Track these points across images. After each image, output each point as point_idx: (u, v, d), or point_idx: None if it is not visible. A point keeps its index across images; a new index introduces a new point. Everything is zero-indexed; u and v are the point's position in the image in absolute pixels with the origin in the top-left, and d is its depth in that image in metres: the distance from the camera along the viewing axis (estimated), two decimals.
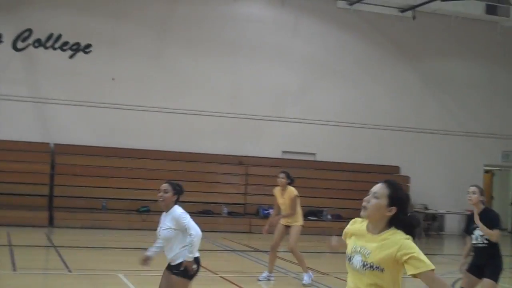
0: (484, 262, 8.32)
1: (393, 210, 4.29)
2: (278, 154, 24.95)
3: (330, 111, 25.38)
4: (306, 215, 23.60)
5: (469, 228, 8.52)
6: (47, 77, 22.43)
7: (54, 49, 22.43)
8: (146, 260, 7.61)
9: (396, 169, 25.53)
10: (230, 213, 23.09)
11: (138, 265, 13.32)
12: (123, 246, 17.31)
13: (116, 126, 22.90)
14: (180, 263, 7.13)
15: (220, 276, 12.66)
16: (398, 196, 4.32)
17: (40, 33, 22.32)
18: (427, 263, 4.13)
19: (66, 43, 22.55)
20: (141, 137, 23.11)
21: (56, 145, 22.27)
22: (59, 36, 22.51)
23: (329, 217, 23.92)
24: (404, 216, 4.31)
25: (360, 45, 26.09)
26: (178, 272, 7.14)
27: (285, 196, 12.30)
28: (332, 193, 24.58)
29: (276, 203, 12.66)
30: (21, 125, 21.88)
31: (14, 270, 12.14)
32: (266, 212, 23.06)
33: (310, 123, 25.14)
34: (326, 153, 25.39)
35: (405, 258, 4.13)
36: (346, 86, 25.77)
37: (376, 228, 4.35)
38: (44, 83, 22.40)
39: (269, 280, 12.29)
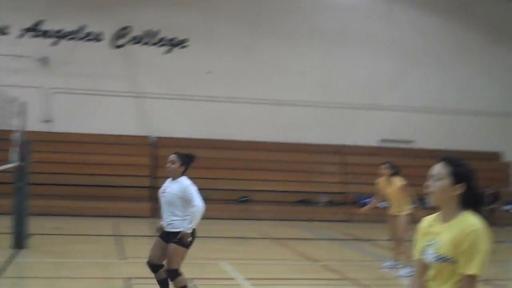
0: None
1: (460, 188, 3.74)
2: (376, 143, 24.70)
3: (428, 98, 24.94)
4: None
5: None
6: (145, 72, 23.03)
7: (152, 44, 23.02)
8: (160, 230, 7.82)
9: (497, 155, 24.77)
10: (329, 202, 23.04)
11: (240, 254, 13.65)
12: (224, 235, 17.57)
13: (213, 118, 23.27)
14: (179, 232, 7.38)
15: (323, 265, 12.65)
16: (462, 171, 3.78)
17: (138, 30, 22.94)
18: (479, 266, 3.64)
19: (162, 38, 23.08)
20: (238, 129, 23.39)
21: (159, 138, 22.85)
22: (157, 32, 23.05)
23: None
24: (472, 192, 3.78)
25: (455, 29, 25.47)
26: (177, 240, 7.40)
27: (392, 186, 12.02)
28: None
29: (378, 193, 12.43)
30: (121, 120, 22.58)
31: (125, 259, 12.53)
32: (366, 201, 22.90)
33: (407, 111, 24.79)
34: (425, 140, 24.96)
35: (464, 247, 3.63)
36: (442, 72, 25.26)
37: (446, 214, 3.79)
38: (142, 78, 23.02)
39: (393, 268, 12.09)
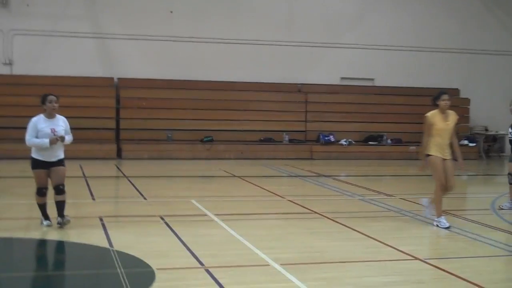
0: None
1: None
2: (336, 81, 25.04)
3: (387, 35, 25.21)
4: (366, 140, 23.99)
5: None
6: (107, 12, 22.81)
7: None
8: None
9: (456, 91, 25.31)
10: (291, 141, 23.44)
11: (209, 192, 13.98)
12: (190, 175, 17.90)
13: (175, 58, 23.24)
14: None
15: (289, 200, 13.06)
16: None
17: None
18: None
19: None
20: (200, 68, 23.44)
21: (120, 79, 22.82)
22: None
23: (389, 141, 24.06)
24: None
25: None
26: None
27: (449, 120, 10.53)
28: (391, 117, 24.67)
29: (429, 131, 10.43)
30: (84, 61, 22.45)
31: (93, 199, 12.79)
32: (327, 138, 23.41)
33: (367, 48, 25.05)
34: (385, 78, 25.37)
35: None
36: (402, 9, 25.46)
37: None
38: (104, 19, 22.81)
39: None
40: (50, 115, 9.79)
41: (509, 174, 12.48)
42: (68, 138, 9.87)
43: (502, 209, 12.32)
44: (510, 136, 13.20)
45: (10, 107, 20.58)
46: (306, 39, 24.42)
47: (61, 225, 9.60)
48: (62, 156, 9.83)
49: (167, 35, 23.09)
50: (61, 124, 9.84)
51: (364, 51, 25.03)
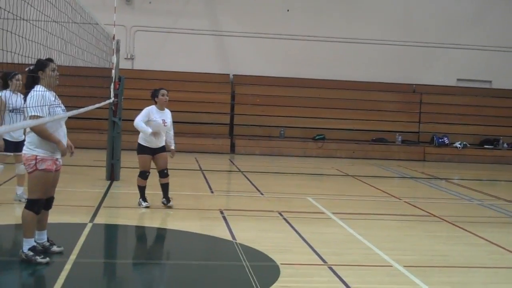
0: None
1: None
2: (452, 82, 24.54)
3: (506, 36, 24.51)
4: (481, 144, 23.39)
5: None
6: (225, 10, 23.27)
7: None
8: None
9: None
10: (404, 141, 23.17)
11: (323, 190, 14.05)
12: (303, 172, 18.02)
13: (291, 56, 23.45)
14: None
15: (405, 201, 12.96)
16: None
17: None
18: None
19: None
20: (316, 67, 23.54)
21: (235, 76, 23.25)
22: None
23: (505, 145, 23.40)
24: None
25: None
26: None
27: None
28: (508, 121, 23.95)
29: None
30: (202, 57, 23.02)
31: (212, 192, 13.12)
32: (441, 140, 23.00)
33: (485, 50, 24.43)
34: (503, 80, 24.69)
35: None
36: None
37: None
38: (222, 16, 23.29)
39: None
40: (161, 107, 10.65)
41: None
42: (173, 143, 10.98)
43: None
44: None
45: (130, 100, 21.31)
46: (422, 39, 24.08)
47: (165, 204, 10.74)
48: (163, 143, 10.71)
49: (282, 33, 23.34)
50: (169, 117, 10.77)
51: (481, 52, 24.43)
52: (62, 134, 7.18)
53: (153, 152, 10.59)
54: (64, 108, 7.31)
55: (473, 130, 23.71)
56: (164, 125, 10.58)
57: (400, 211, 11.93)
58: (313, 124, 22.82)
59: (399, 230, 10.06)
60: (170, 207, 10.72)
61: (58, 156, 7.18)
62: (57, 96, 7.24)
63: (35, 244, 7.17)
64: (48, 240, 7.51)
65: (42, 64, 7.02)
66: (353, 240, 9.07)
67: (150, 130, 10.32)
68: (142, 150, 10.55)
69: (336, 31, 23.58)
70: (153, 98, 10.67)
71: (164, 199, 10.76)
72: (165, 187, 10.75)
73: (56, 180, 7.40)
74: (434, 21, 24.15)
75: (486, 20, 24.50)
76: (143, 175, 10.63)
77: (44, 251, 7.37)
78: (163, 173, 10.70)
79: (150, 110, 10.55)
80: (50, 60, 7.15)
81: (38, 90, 6.97)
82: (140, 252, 8.59)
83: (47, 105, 6.91)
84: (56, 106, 7.05)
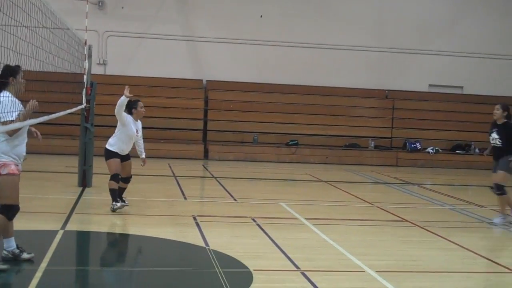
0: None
1: None
2: (425, 88, 24.73)
3: (479, 43, 24.73)
4: (453, 149, 23.58)
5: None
6: (198, 15, 23.23)
7: None
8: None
9: None
10: (376, 147, 23.30)
11: (296, 195, 14.06)
12: (276, 178, 18.03)
13: (264, 62, 23.46)
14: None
15: (378, 207, 13.02)
16: None
17: None
18: None
19: None
20: (289, 72, 23.56)
21: (208, 81, 23.21)
22: None
23: (477, 150, 23.59)
24: None
25: None
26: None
27: None
28: (480, 126, 24.10)
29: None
30: (175, 63, 22.93)
31: (185, 198, 13.07)
32: (414, 145, 23.16)
33: (457, 56, 24.65)
34: (474, 86, 24.92)
35: None
36: (497, 16, 24.91)
37: None
38: (195, 22, 23.24)
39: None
40: (136, 119, 10.95)
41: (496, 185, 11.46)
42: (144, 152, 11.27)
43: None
44: (492, 141, 11.66)
45: (102, 106, 21.17)
46: (395, 45, 24.24)
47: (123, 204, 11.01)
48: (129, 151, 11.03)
49: (255, 39, 23.34)
50: (141, 127, 11.09)
51: (453, 58, 24.64)
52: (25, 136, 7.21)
53: (122, 158, 10.76)
54: None
55: (445, 135, 23.90)
56: (137, 135, 10.85)
57: (373, 216, 11.97)
58: (287, 129, 22.85)
59: (372, 235, 10.09)
60: (126, 205, 10.97)
61: (19, 162, 7.11)
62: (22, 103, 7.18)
63: None
64: (17, 247, 7.40)
65: (13, 71, 6.99)
66: (326, 245, 9.08)
67: (123, 98, 10.38)
68: (111, 155, 10.69)
69: (309, 36, 23.64)
70: (130, 108, 10.78)
71: (118, 199, 10.97)
72: (123, 191, 11.10)
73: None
74: (406, 28, 24.32)
75: (458, 27, 24.72)
76: (116, 177, 10.65)
77: (14, 258, 7.27)
78: (128, 180, 11.06)
79: (128, 118, 10.71)
80: (18, 67, 7.09)
81: (7, 96, 6.91)
82: (112, 259, 8.53)
83: (17, 111, 6.85)
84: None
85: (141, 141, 11.05)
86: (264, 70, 23.42)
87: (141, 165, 11.05)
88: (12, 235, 7.38)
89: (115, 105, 10.63)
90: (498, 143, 11.40)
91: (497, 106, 11.57)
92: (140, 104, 10.92)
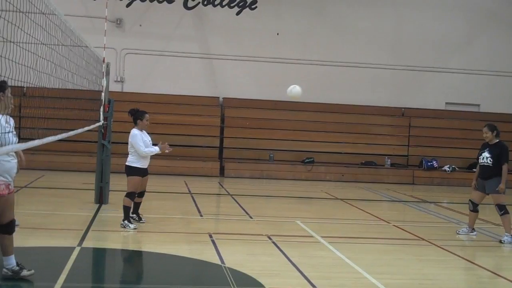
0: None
1: None
2: (441, 106, 24.69)
3: (495, 61, 24.70)
4: (470, 167, 23.46)
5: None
6: (215, 33, 23.37)
7: (222, 6, 23.30)
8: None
9: None
10: (393, 165, 23.24)
11: (312, 213, 14.02)
12: (292, 195, 18.02)
13: (279, 79, 23.44)
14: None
15: (394, 225, 12.97)
16: None
17: None
18: None
19: (233, 0, 23.35)
20: (305, 90, 23.27)
21: (225, 99, 23.30)
22: None
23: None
24: None
25: None
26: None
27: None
28: None
29: None
30: (192, 80, 23.08)
31: (201, 215, 13.09)
32: (430, 163, 23.08)
33: (474, 74, 24.62)
34: (491, 104, 24.84)
35: None
36: (511, 34, 24.89)
37: None
38: (212, 40, 23.38)
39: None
40: (142, 129, 11.05)
41: (498, 206, 11.75)
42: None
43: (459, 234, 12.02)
44: (482, 161, 11.85)
45: (119, 123, 21.30)
46: (412, 63, 24.25)
47: (138, 220, 11.31)
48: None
49: (272, 57, 23.44)
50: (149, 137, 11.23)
51: (470, 76, 24.62)
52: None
53: (143, 173, 10.93)
54: (15, 133, 7.04)
55: (461, 153, 23.78)
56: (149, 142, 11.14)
57: (389, 234, 11.93)
58: (302, 147, 22.86)
59: (388, 254, 10.05)
60: (143, 222, 11.27)
61: (10, 180, 7.07)
62: (11, 119, 7.06)
63: None
64: (18, 265, 7.35)
65: (1, 86, 6.77)
66: (342, 264, 9.06)
67: (157, 148, 10.92)
68: (135, 171, 10.82)
69: (326, 54, 23.72)
70: (136, 118, 11.00)
71: (134, 215, 11.27)
72: (139, 205, 11.34)
73: (12, 203, 7.25)
74: (423, 45, 24.34)
75: (475, 45, 24.72)
76: (132, 196, 10.80)
77: (13, 276, 7.26)
78: (143, 194, 11.33)
79: (140, 134, 10.87)
80: (5, 82, 6.71)
81: None
82: (128, 276, 8.55)
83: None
84: (7, 133, 6.76)
85: None
86: (280, 88, 23.33)
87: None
88: (12, 253, 7.33)
89: (128, 122, 10.82)
90: (489, 162, 11.59)
91: (485, 129, 11.79)
92: (147, 116, 11.05)
